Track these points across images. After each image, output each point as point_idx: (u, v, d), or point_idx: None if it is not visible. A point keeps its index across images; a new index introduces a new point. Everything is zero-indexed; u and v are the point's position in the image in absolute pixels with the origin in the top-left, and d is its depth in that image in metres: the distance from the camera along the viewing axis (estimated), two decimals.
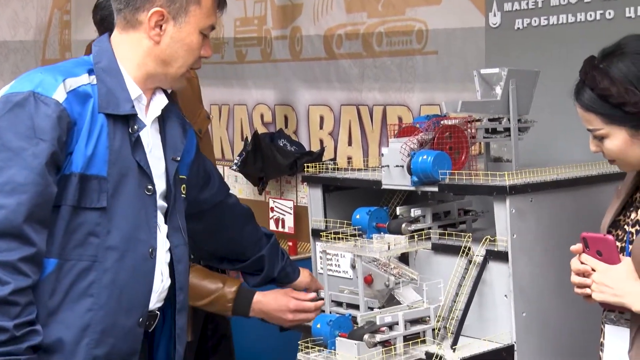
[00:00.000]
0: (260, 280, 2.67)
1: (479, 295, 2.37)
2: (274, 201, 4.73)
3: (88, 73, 2.08)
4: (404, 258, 2.56)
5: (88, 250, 2.02)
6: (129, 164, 2.08)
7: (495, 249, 2.35)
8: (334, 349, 2.32)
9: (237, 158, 4.73)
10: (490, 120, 2.59)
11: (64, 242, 2.00)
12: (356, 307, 2.55)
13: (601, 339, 2.10)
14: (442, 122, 2.55)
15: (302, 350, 2.38)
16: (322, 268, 2.72)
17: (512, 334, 2.34)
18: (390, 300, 2.53)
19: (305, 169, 2.87)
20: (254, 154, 4.62)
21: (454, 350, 2.28)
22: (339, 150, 4.53)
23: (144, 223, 2.11)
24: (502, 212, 2.33)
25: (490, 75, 2.58)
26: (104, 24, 2.80)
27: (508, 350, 2.33)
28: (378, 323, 2.30)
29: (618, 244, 2.03)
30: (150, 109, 2.18)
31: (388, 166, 2.54)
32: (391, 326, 2.33)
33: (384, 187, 2.59)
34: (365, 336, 2.27)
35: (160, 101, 2.20)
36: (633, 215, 2.05)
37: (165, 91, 2.24)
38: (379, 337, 2.29)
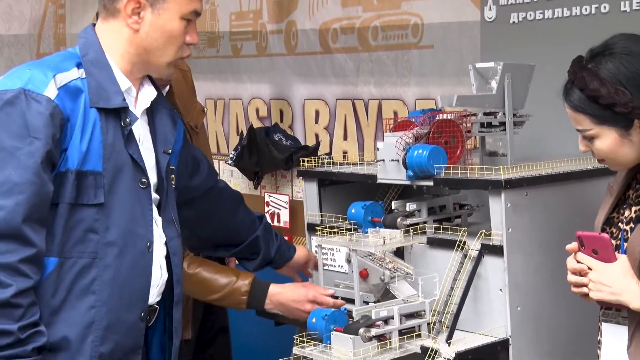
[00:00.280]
0: (259, 262, 2.66)
1: (474, 290, 2.38)
2: (270, 195, 4.73)
3: (77, 67, 2.06)
4: (399, 252, 2.57)
5: (88, 247, 2.01)
6: (123, 158, 2.07)
7: (491, 243, 2.35)
8: (329, 343, 2.32)
9: (233, 152, 4.73)
10: (485, 114, 2.59)
11: (64, 240, 1.99)
12: (351, 301, 2.55)
13: (599, 337, 2.10)
14: (437, 116, 2.56)
15: (297, 344, 2.39)
16: (317, 262, 2.72)
17: (507, 328, 2.34)
18: (386, 295, 2.54)
19: (301, 164, 2.87)
20: (250, 148, 4.62)
21: (449, 344, 2.29)
22: (335, 145, 4.53)
23: (140, 217, 2.10)
24: (498, 206, 2.33)
25: (486, 70, 2.58)
26: None
27: (503, 344, 2.34)
28: (373, 317, 2.31)
29: (613, 241, 2.03)
30: (139, 101, 2.17)
31: (383, 160, 2.54)
32: (386, 320, 2.33)
33: (379, 181, 2.59)
34: (361, 330, 2.28)
35: (149, 93, 2.18)
36: (627, 213, 2.05)
37: (154, 82, 2.22)
38: (374, 331, 2.30)
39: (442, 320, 2.35)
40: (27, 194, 1.91)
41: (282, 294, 2.64)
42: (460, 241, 2.39)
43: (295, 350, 2.40)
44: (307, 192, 2.87)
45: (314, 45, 4.55)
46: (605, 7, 2.88)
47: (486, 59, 2.94)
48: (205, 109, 3.31)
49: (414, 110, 3.23)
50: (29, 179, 1.91)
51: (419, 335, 2.35)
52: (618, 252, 1.99)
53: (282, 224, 4.62)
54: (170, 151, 2.21)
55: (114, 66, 2.10)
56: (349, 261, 2.59)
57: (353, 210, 2.60)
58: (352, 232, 2.52)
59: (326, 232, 2.51)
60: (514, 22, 3.11)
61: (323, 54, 4.52)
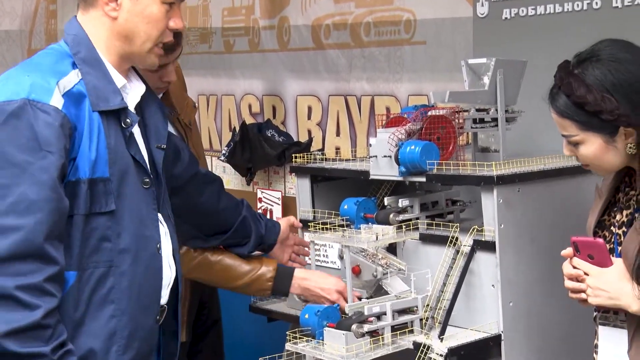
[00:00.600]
0: (252, 243, 2.62)
1: (466, 285, 2.38)
2: (262, 192, 4.73)
3: (72, 67, 1.97)
4: (391, 248, 2.57)
5: (103, 256, 1.95)
6: (126, 160, 2.00)
7: (483, 239, 2.36)
8: (322, 339, 2.32)
9: (225, 149, 4.72)
10: (477, 110, 2.59)
11: (81, 252, 1.93)
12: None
13: (595, 341, 2.11)
14: (430, 112, 2.56)
15: (290, 340, 2.39)
16: (310, 258, 2.73)
17: (499, 324, 2.35)
18: (378, 291, 2.54)
19: (294, 160, 2.87)
20: (242, 144, 4.61)
21: (442, 340, 2.29)
22: (327, 141, 4.53)
23: (147, 219, 2.05)
24: (490, 202, 2.34)
25: (478, 66, 2.59)
26: None
27: (495, 340, 2.34)
28: (366, 313, 2.31)
29: (607, 245, 2.03)
30: (129, 97, 2.09)
31: (376, 156, 2.54)
32: (379, 316, 2.33)
33: (371, 177, 2.59)
34: (353, 326, 2.28)
35: (138, 87, 2.12)
36: (618, 217, 2.05)
37: (142, 77, 2.17)
38: (366, 327, 2.30)
39: (435, 316, 2.36)
40: (46, 212, 1.82)
41: (309, 280, 2.62)
42: (453, 237, 2.40)
43: (288, 346, 2.40)
44: (299, 188, 2.87)
45: (306, 41, 4.55)
46: (597, 3, 2.88)
47: (478, 55, 2.95)
48: (196, 105, 3.31)
49: (407, 107, 3.23)
50: (47, 195, 1.83)
51: (411, 331, 2.36)
52: (612, 256, 2.00)
53: None
54: (164, 146, 2.15)
55: (105, 62, 2.02)
56: (341, 257, 2.59)
57: (346, 207, 2.61)
58: (345, 228, 2.52)
59: (319, 229, 2.51)
60: (506, 18, 3.12)
61: (315, 50, 4.52)
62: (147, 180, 2.06)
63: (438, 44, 3.90)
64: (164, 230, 2.12)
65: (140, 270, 2.01)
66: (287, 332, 2.43)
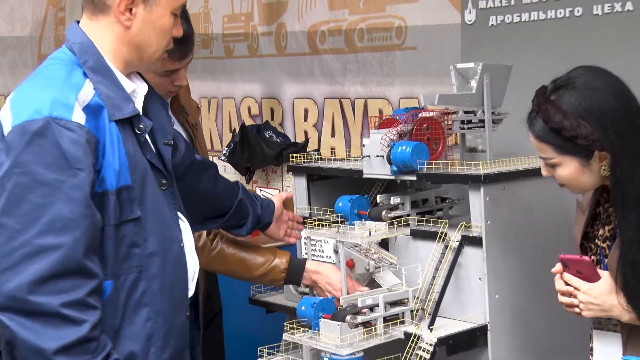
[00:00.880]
0: (250, 223, 2.58)
1: (454, 279, 2.38)
2: (261, 190, 4.73)
3: (84, 77, 1.88)
4: (384, 243, 2.57)
5: (133, 262, 1.89)
6: (144, 164, 1.94)
7: (470, 235, 2.36)
8: (318, 330, 2.32)
9: (226, 149, 4.73)
10: (465, 112, 2.59)
11: (114, 261, 1.87)
12: None
13: (590, 344, 2.13)
14: (420, 114, 2.56)
15: (287, 331, 2.39)
16: (306, 253, 2.73)
17: (485, 315, 2.35)
18: (371, 284, 2.54)
19: (291, 159, 2.87)
20: (242, 145, 4.62)
21: (431, 330, 2.29)
22: (323, 141, 4.54)
23: (169, 219, 1.99)
24: (477, 200, 2.34)
25: (466, 70, 2.59)
26: None
27: (482, 330, 2.34)
28: (359, 305, 2.31)
29: (593, 257, 2.06)
30: (137, 100, 2.02)
31: (369, 156, 2.54)
32: (372, 308, 2.33)
33: (365, 176, 2.59)
34: (348, 317, 2.28)
35: (141, 88, 2.04)
36: (601, 232, 2.07)
37: (142, 76, 2.09)
38: (360, 319, 2.30)
39: (425, 307, 2.36)
40: (82, 228, 1.76)
41: (319, 274, 2.61)
42: (442, 233, 2.40)
43: (286, 336, 2.40)
44: (296, 186, 2.87)
45: (302, 46, 4.56)
46: (578, 10, 2.89)
47: (466, 59, 2.95)
48: (199, 106, 3.30)
49: (398, 109, 3.23)
50: (82, 212, 1.76)
51: (402, 322, 2.35)
52: (600, 267, 2.02)
53: None
54: (171, 142, 2.08)
55: (113, 69, 1.93)
56: (336, 252, 2.59)
57: (340, 204, 2.61)
58: (340, 224, 2.52)
59: (315, 225, 2.51)
60: (492, 24, 3.12)
61: (311, 54, 4.52)
62: (164, 181, 2.01)
63: (428, 50, 3.90)
64: (184, 226, 2.07)
65: (168, 270, 1.96)
66: (285, 323, 2.43)
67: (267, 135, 4.68)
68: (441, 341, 2.25)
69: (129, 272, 1.88)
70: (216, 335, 3.26)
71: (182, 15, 2.17)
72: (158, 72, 2.52)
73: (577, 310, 2.01)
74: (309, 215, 2.77)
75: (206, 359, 3.10)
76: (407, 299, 2.38)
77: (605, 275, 1.98)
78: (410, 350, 2.25)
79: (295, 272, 2.64)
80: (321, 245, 2.71)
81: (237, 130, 4.68)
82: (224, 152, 4.74)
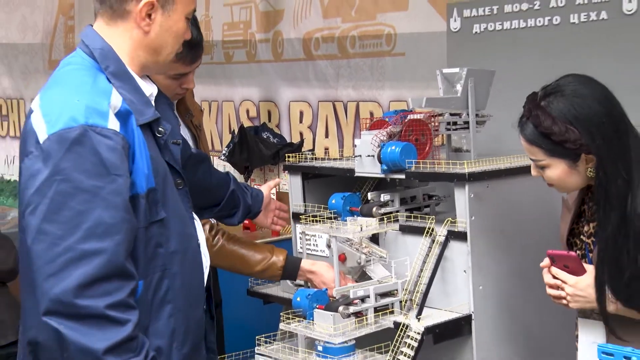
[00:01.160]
0: (241, 213, 2.55)
1: (441, 271, 2.38)
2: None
3: (108, 81, 1.82)
4: (374, 238, 2.57)
5: (158, 261, 1.84)
6: (164, 166, 1.88)
7: (456, 230, 2.36)
8: (312, 320, 2.32)
9: (225, 149, 4.72)
10: (451, 114, 2.59)
11: (144, 262, 1.82)
12: None
13: (576, 332, 2.14)
14: (408, 116, 2.56)
15: (283, 320, 2.39)
16: (301, 247, 2.72)
17: (470, 305, 2.35)
18: (362, 276, 2.54)
19: (287, 159, 2.86)
20: (241, 145, 4.61)
21: (419, 319, 2.29)
22: (317, 142, 4.53)
23: (186, 218, 1.95)
24: (462, 197, 2.34)
25: (452, 75, 2.58)
26: None
27: (466, 319, 2.34)
28: (351, 296, 2.31)
29: (578, 252, 2.08)
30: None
31: (360, 156, 2.54)
32: (363, 299, 2.33)
33: (357, 174, 2.59)
34: (340, 308, 2.28)
35: (153, 89, 1.98)
36: (586, 228, 2.08)
37: (149, 77, 2.04)
38: (352, 309, 2.30)
39: (413, 298, 2.36)
40: (123, 233, 1.71)
41: (314, 274, 2.61)
42: (429, 228, 2.40)
43: (282, 326, 2.40)
44: (292, 184, 2.86)
45: (298, 52, 4.55)
46: (556, 19, 2.89)
47: (452, 65, 2.95)
48: (202, 108, 3.29)
49: (388, 111, 3.23)
50: (122, 217, 1.71)
51: (392, 312, 2.35)
52: (585, 261, 2.03)
53: None
54: (179, 142, 2.01)
55: (132, 73, 1.87)
56: (329, 246, 2.59)
57: (333, 201, 2.60)
58: (333, 220, 2.52)
59: (309, 221, 2.50)
60: (476, 32, 3.12)
61: (306, 60, 4.52)
62: (180, 181, 1.96)
63: (416, 56, 3.90)
64: (196, 223, 2.03)
65: (187, 268, 1.92)
66: (281, 314, 2.43)
67: (265, 136, 4.67)
68: (428, 330, 2.25)
69: (154, 272, 1.84)
70: (216, 325, 3.25)
71: (193, 22, 2.16)
72: (168, 75, 2.51)
73: (564, 302, 2.02)
74: (304, 211, 2.77)
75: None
76: (397, 290, 2.38)
77: (590, 269, 1.99)
78: (399, 339, 2.25)
79: (291, 270, 2.64)
80: (315, 240, 2.71)
81: (236, 131, 4.68)
82: (223, 152, 4.74)
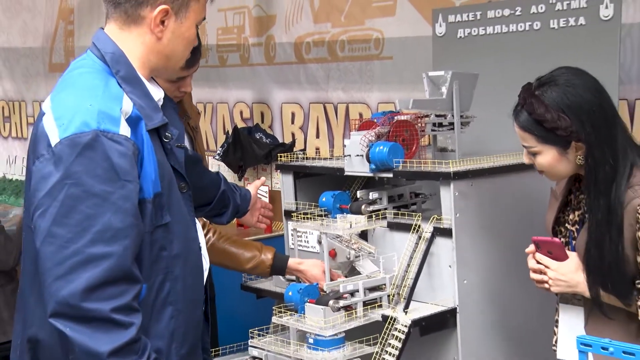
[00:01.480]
0: (230, 213, 2.52)
1: (427, 266, 2.38)
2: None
3: (119, 86, 1.77)
4: (363, 235, 2.57)
5: (161, 265, 1.80)
6: (170, 171, 1.84)
7: (442, 226, 2.36)
8: (304, 313, 2.32)
9: (220, 149, 4.71)
10: (437, 115, 2.59)
11: (148, 265, 1.78)
12: None
13: (555, 317, 2.15)
14: (396, 117, 2.56)
15: (276, 314, 2.39)
16: (293, 244, 2.72)
17: (455, 299, 2.35)
18: (352, 271, 2.54)
19: (279, 158, 2.86)
20: (234, 145, 4.60)
21: (406, 313, 2.29)
22: (308, 142, 4.53)
23: (189, 222, 1.91)
24: (447, 195, 2.34)
25: (437, 77, 2.58)
26: None
27: (452, 312, 2.35)
28: (341, 291, 2.31)
29: (563, 239, 2.08)
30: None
31: (350, 155, 2.54)
32: (352, 293, 2.33)
33: (346, 173, 2.59)
34: (330, 302, 2.28)
35: (159, 93, 1.93)
36: (572, 216, 2.09)
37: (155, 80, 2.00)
38: (342, 303, 2.29)
39: (400, 292, 2.36)
40: (131, 237, 1.67)
41: (301, 272, 2.61)
42: (416, 225, 2.40)
43: (274, 319, 2.40)
44: (284, 183, 2.86)
45: (289, 56, 4.55)
46: (537, 24, 2.90)
47: (438, 68, 2.95)
48: (199, 111, 3.28)
49: (376, 112, 3.23)
50: (131, 222, 1.67)
51: (380, 306, 2.35)
52: (568, 249, 2.04)
53: None
54: (183, 145, 1.97)
55: (142, 78, 1.82)
56: (320, 242, 2.59)
57: (324, 199, 2.60)
58: (323, 217, 2.51)
59: (300, 218, 2.50)
60: (461, 37, 3.12)
61: (298, 64, 4.51)
62: (184, 185, 1.90)
63: (403, 59, 3.91)
64: (198, 226, 2.00)
65: (188, 270, 1.88)
66: (274, 307, 2.43)
67: (258, 137, 4.66)
68: (415, 323, 2.25)
69: (157, 275, 1.81)
70: (210, 318, 3.25)
71: None
72: (167, 79, 2.50)
73: (546, 286, 2.03)
74: (295, 209, 2.77)
75: None
76: (385, 284, 2.38)
77: (572, 256, 2.00)
78: (387, 331, 2.25)
79: (279, 267, 2.65)
80: (306, 237, 2.71)
81: (230, 132, 4.67)
82: (218, 152, 4.73)
